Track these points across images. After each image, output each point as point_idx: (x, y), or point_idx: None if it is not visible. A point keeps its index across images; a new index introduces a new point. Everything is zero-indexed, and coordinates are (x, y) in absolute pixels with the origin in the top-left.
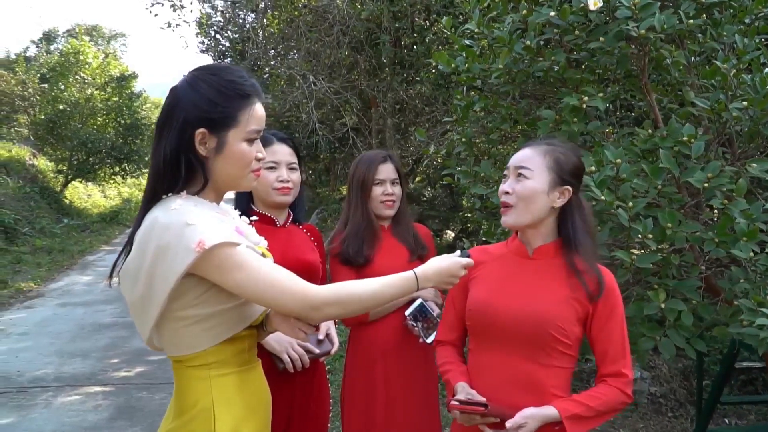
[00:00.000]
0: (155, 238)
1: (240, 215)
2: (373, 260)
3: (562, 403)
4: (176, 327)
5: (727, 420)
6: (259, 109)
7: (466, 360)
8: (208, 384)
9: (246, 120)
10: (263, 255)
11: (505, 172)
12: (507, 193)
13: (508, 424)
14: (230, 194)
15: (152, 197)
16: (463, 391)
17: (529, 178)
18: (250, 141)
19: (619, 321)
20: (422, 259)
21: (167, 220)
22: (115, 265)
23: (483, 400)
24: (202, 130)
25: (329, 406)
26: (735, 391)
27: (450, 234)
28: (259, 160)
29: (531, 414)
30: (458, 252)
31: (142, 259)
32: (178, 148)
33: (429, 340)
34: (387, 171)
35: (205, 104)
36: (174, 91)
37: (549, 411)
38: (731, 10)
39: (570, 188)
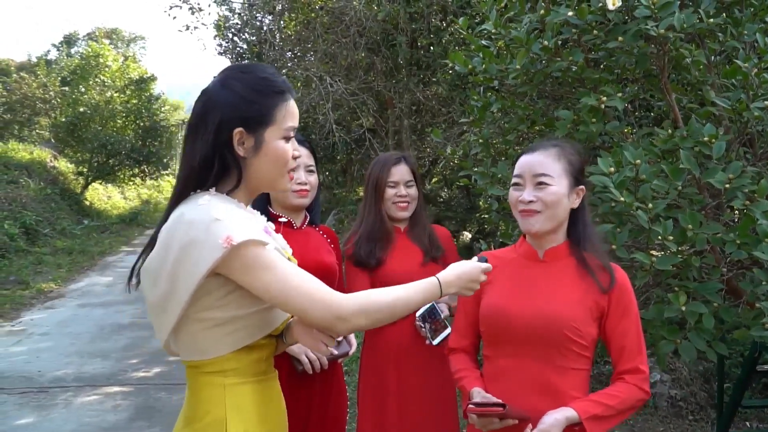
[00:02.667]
0: (180, 234)
1: (267, 220)
2: (386, 262)
3: (580, 404)
4: (195, 330)
5: (748, 423)
6: (293, 106)
7: (481, 367)
8: (222, 393)
9: (282, 117)
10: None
11: (518, 180)
12: (531, 201)
13: (535, 430)
14: None
15: (180, 197)
16: (479, 395)
17: (551, 184)
18: (287, 139)
19: (633, 317)
20: (436, 261)
21: (194, 215)
22: (135, 266)
23: (500, 401)
24: (239, 129)
25: (347, 407)
26: (756, 394)
27: (467, 235)
28: (295, 158)
29: (554, 421)
30: (476, 258)
31: (166, 257)
32: (215, 149)
33: (435, 342)
34: (401, 173)
35: (241, 103)
36: (206, 92)
37: (569, 413)
38: (752, 9)
39: (583, 188)
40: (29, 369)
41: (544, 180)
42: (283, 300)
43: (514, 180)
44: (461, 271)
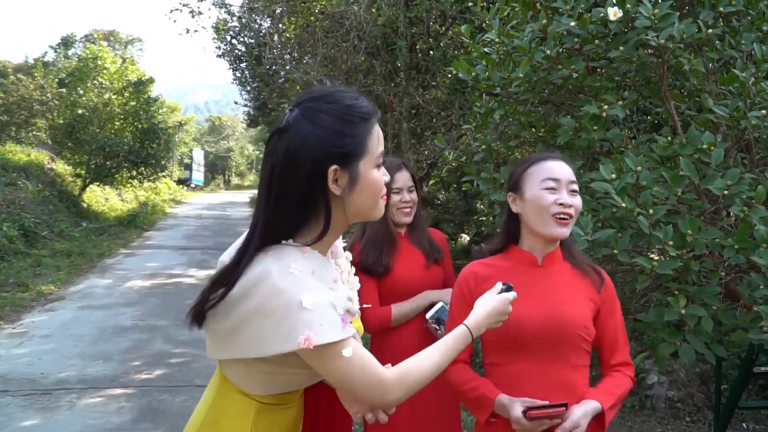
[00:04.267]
0: (262, 295)
1: (344, 247)
2: (393, 268)
3: (600, 396)
4: (241, 368)
5: (744, 425)
6: (379, 130)
7: (483, 374)
8: (251, 416)
9: (374, 144)
10: (358, 329)
11: (554, 184)
12: (570, 205)
13: (567, 424)
14: None
15: (262, 243)
16: (515, 401)
17: (578, 193)
18: (378, 167)
19: (619, 312)
20: (438, 263)
21: (282, 284)
22: (206, 300)
23: (560, 402)
24: (334, 167)
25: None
26: (753, 396)
27: (465, 238)
28: (386, 184)
29: (583, 413)
30: (498, 287)
31: (241, 305)
32: (309, 193)
33: None
34: (403, 179)
35: (333, 138)
36: (290, 130)
37: (594, 405)
38: (749, 18)
39: None
40: (32, 371)
41: (575, 188)
42: (341, 383)
43: (547, 184)
44: (490, 308)
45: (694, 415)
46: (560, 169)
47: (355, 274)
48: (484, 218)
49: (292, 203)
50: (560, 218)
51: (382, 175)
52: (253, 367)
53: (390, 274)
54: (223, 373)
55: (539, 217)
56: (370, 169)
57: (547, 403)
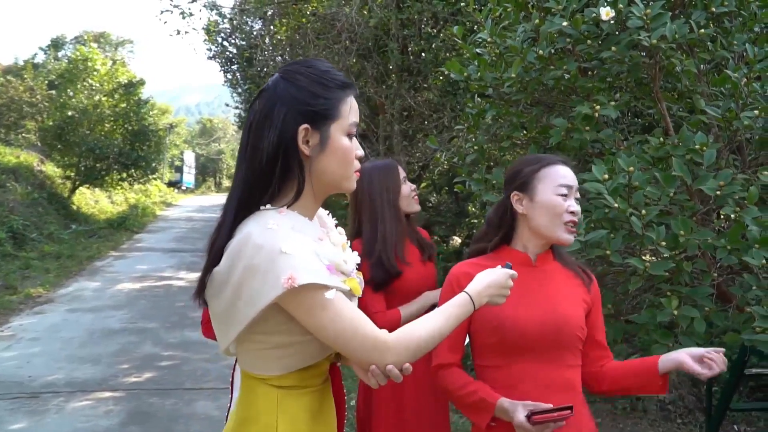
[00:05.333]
0: (247, 256)
1: (336, 225)
2: (408, 264)
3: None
4: (252, 348)
5: (736, 427)
6: (355, 102)
7: (475, 377)
8: (275, 400)
9: (347, 111)
10: (354, 289)
11: (566, 191)
12: (578, 213)
13: None
14: None
15: (242, 207)
16: (517, 404)
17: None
18: (350, 136)
19: (601, 311)
20: (431, 260)
21: (262, 240)
22: (203, 280)
23: (565, 405)
24: (305, 126)
25: (345, 411)
26: (744, 397)
27: (456, 240)
28: (358, 158)
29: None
30: (499, 266)
31: (231, 274)
32: (279, 147)
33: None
34: (403, 172)
35: (306, 96)
36: (268, 89)
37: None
38: (741, 19)
39: None
40: (20, 374)
41: (578, 195)
42: (334, 341)
43: (561, 190)
44: (490, 279)
45: (685, 417)
46: (571, 175)
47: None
48: (475, 221)
49: (265, 162)
50: (570, 226)
51: (353, 146)
52: (261, 345)
53: (402, 275)
54: (242, 368)
55: (550, 222)
56: (340, 134)
57: (551, 406)
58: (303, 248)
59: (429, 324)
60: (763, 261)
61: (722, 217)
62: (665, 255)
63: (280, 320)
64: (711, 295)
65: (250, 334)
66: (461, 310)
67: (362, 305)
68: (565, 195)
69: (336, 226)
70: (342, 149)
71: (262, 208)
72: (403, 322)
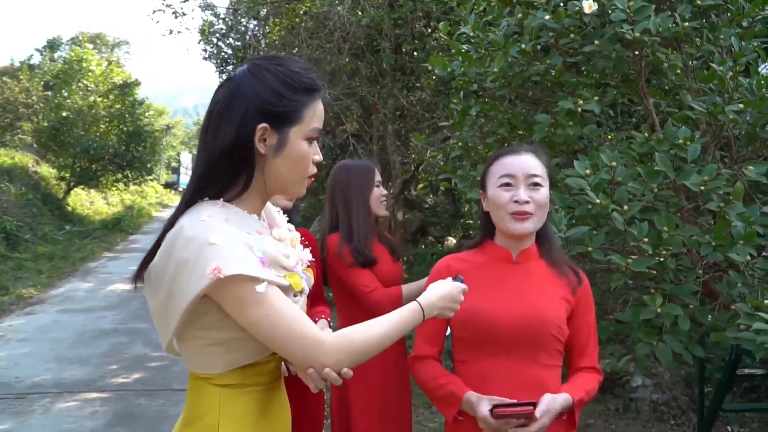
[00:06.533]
0: (178, 248)
1: (288, 220)
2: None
3: (568, 389)
4: (194, 345)
5: (729, 428)
6: (321, 107)
7: (453, 371)
8: (217, 400)
9: (310, 117)
10: (294, 285)
11: (509, 180)
12: (527, 201)
13: (539, 411)
14: None
15: (191, 199)
16: (483, 398)
17: (543, 185)
18: (310, 141)
19: (594, 314)
20: (398, 260)
21: (192, 232)
22: (141, 267)
23: (529, 401)
24: (263, 125)
25: (324, 414)
26: (738, 398)
27: (451, 240)
28: (316, 163)
29: (553, 397)
30: (450, 278)
31: (165, 269)
32: (235, 143)
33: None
34: (378, 176)
35: (270, 96)
36: (233, 80)
37: (564, 396)
38: (728, 14)
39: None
40: (7, 375)
41: (537, 181)
42: (269, 338)
43: (503, 180)
44: (443, 292)
45: (678, 418)
46: (516, 164)
47: (354, 271)
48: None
49: (219, 154)
50: (517, 215)
51: (311, 151)
52: (201, 341)
53: (374, 267)
54: (187, 367)
55: (498, 216)
56: (300, 139)
57: (515, 401)
58: (233, 239)
59: (373, 329)
60: (748, 257)
61: (709, 213)
62: (648, 252)
63: (219, 316)
64: (696, 292)
65: (191, 330)
66: (410, 318)
67: (352, 284)
68: (508, 185)
69: (288, 222)
70: (299, 154)
71: (201, 200)
72: (404, 300)
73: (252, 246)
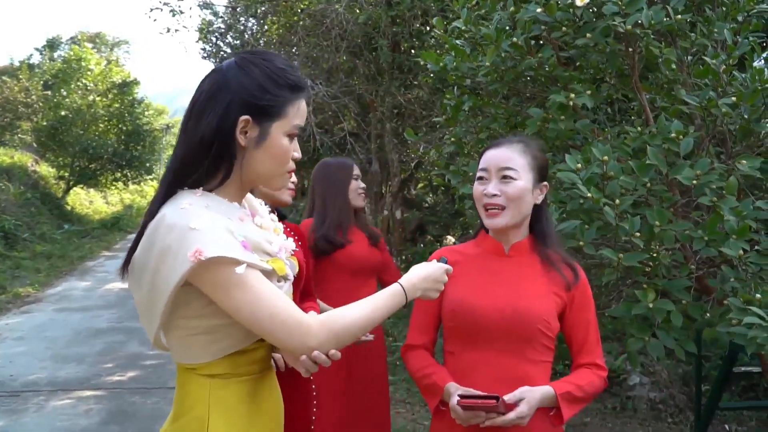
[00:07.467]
0: (160, 237)
1: (271, 211)
2: (351, 242)
3: (552, 383)
4: (179, 335)
5: (727, 426)
6: (304, 105)
7: (442, 362)
8: (207, 390)
9: (293, 113)
10: (277, 269)
11: (483, 174)
12: (495, 195)
13: (509, 398)
14: None
15: (173, 186)
16: (457, 390)
17: (517, 178)
18: (291, 137)
19: (593, 311)
20: (377, 247)
21: (173, 220)
22: (127, 259)
23: (493, 394)
24: (245, 117)
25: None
26: (735, 396)
27: (450, 240)
28: (295, 160)
29: (529, 389)
30: (434, 260)
31: (148, 258)
32: (217, 133)
33: None
34: (357, 170)
35: (255, 89)
36: (220, 71)
37: (544, 389)
38: (723, 8)
39: (546, 184)
40: (2, 373)
41: (509, 174)
42: (252, 322)
43: (479, 174)
44: (426, 273)
45: (675, 417)
46: (490, 157)
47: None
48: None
49: (199, 143)
50: (487, 209)
51: (291, 147)
52: (187, 331)
53: (346, 248)
54: (175, 360)
55: (478, 209)
56: (281, 134)
57: (481, 393)
58: (213, 224)
59: (357, 311)
60: (741, 252)
61: (702, 208)
62: (640, 246)
63: (203, 302)
64: (689, 288)
65: (175, 319)
66: (392, 300)
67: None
68: (483, 178)
69: (271, 212)
70: (279, 149)
71: (181, 190)
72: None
73: (233, 231)
